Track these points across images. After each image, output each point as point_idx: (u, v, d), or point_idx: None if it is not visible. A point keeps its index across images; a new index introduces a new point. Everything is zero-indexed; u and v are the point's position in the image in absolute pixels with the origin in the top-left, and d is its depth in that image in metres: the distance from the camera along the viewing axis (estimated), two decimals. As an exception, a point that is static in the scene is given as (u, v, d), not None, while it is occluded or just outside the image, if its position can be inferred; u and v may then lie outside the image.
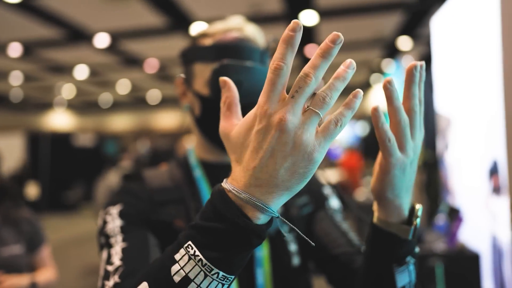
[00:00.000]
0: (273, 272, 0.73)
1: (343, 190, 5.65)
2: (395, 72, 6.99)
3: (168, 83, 9.83)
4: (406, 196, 0.56)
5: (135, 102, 13.15)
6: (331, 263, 0.75)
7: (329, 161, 8.25)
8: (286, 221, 0.44)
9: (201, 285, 0.41)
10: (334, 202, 0.87)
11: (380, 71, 8.71)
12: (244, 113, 0.48)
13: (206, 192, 0.76)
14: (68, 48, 6.38)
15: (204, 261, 0.40)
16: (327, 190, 0.88)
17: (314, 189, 0.85)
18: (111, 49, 6.52)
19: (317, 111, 0.39)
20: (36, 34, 5.64)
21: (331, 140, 0.40)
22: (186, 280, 0.41)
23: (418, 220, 0.56)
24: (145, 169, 0.82)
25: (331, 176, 6.48)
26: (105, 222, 0.69)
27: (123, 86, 10.37)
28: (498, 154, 1.78)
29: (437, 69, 2.84)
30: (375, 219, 0.59)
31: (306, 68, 0.39)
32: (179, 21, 5.19)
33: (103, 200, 3.85)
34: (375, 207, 0.60)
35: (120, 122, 14.61)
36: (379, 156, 0.55)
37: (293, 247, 0.77)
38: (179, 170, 0.80)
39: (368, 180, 6.00)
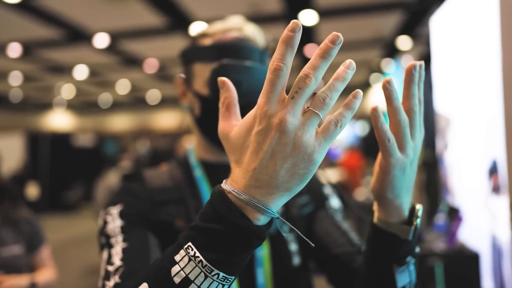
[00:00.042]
0: (274, 272, 0.73)
1: (343, 189, 5.65)
2: (394, 71, 6.99)
3: (168, 83, 9.83)
4: (406, 196, 0.56)
5: (135, 102, 13.15)
6: (332, 263, 0.75)
7: (329, 161, 8.25)
8: (286, 222, 0.44)
9: (201, 286, 0.41)
10: (335, 202, 0.87)
11: (379, 70, 8.71)
12: (243, 113, 0.48)
13: (206, 192, 0.76)
14: (67, 48, 6.38)
15: (205, 262, 0.40)
16: (328, 190, 0.88)
17: (314, 188, 0.85)
18: (111, 49, 6.52)
19: (317, 112, 0.39)
20: (35, 34, 5.63)
21: (331, 141, 0.40)
22: (187, 281, 0.41)
23: (418, 221, 0.56)
24: (145, 169, 0.82)
25: (332, 175, 6.48)
26: (105, 222, 0.69)
27: (123, 86, 10.37)
28: (498, 154, 1.78)
29: (437, 69, 2.84)
30: (375, 219, 0.59)
31: (306, 68, 0.39)
32: (179, 21, 5.19)
33: (103, 200, 3.84)
34: (375, 207, 0.60)
35: (120, 122, 14.61)
36: (379, 156, 0.55)
37: (293, 246, 0.77)
38: (179, 170, 0.80)
39: (369, 179, 6.00)
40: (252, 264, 0.72)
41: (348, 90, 0.42)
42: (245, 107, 0.54)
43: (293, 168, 0.40)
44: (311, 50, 6.57)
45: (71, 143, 9.68)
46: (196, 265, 0.41)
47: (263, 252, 0.73)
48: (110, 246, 0.65)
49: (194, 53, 0.78)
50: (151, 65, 7.82)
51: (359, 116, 10.07)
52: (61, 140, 9.63)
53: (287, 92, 0.40)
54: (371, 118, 0.49)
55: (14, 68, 7.93)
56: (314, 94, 0.41)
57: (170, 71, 8.48)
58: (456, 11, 2.39)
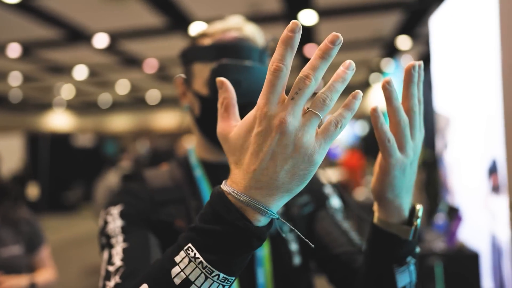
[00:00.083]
0: (274, 272, 0.73)
1: (343, 189, 5.64)
2: (394, 71, 6.99)
3: (168, 83, 9.83)
4: (407, 196, 0.56)
5: (135, 102, 13.15)
6: (332, 263, 0.75)
7: (329, 161, 8.25)
8: (287, 222, 0.44)
9: (201, 287, 0.41)
10: (335, 201, 0.87)
11: (379, 70, 8.72)
12: (243, 112, 0.48)
13: (206, 192, 0.76)
14: (67, 48, 6.37)
15: (205, 263, 0.40)
16: (328, 189, 0.88)
17: (315, 188, 0.85)
18: (110, 49, 6.52)
19: (317, 112, 0.39)
20: (35, 35, 5.63)
21: (331, 142, 0.40)
22: (187, 282, 0.41)
23: (418, 221, 0.56)
24: (145, 169, 0.82)
25: (332, 175, 6.48)
26: (106, 223, 0.69)
27: (123, 86, 10.36)
28: (497, 153, 1.78)
29: (436, 68, 2.84)
30: (375, 220, 0.59)
31: (306, 69, 0.39)
32: (178, 21, 5.19)
33: (102, 200, 3.84)
34: (375, 207, 0.60)
35: (120, 122, 14.60)
36: (379, 156, 0.55)
37: (294, 246, 0.77)
38: (180, 170, 0.80)
39: (369, 179, 6.00)
40: (252, 264, 0.72)
41: (348, 90, 0.42)
42: (245, 106, 0.54)
43: (293, 169, 0.40)
44: (310, 50, 6.57)
45: (71, 143, 9.68)
46: (197, 266, 0.41)
47: (264, 252, 0.73)
48: (110, 246, 0.65)
49: (194, 53, 0.78)
50: (150, 65, 7.82)
51: (359, 116, 10.07)
52: (61, 140, 9.63)
53: (287, 92, 0.40)
54: (371, 118, 0.49)
55: (14, 68, 7.92)
56: (314, 94, 0.41)
57: (170, 71, 8.47)
58: (455, 11, 2.39)
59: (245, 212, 0.41)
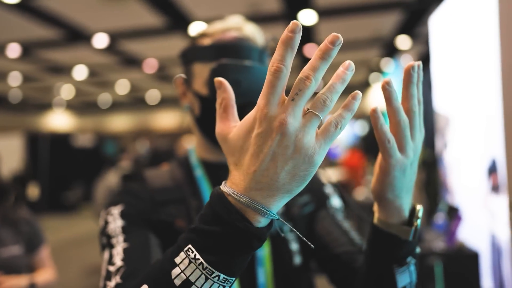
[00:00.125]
0: (275, 271, 0.73)
1: (344, 189, 5.64)
2: (394, 71, 7.00)
3: (167, 83, 9.82)
4: (407, 197, 0.56)
5: (134, 102, 13.14)
6: (333, 262, 0.75)
7: (329, 161, 8.25)
8: (287, 223, 0.44)
9: None
10: (336, 201, 0.87)
11: (379, 70, 8.72)
12: (243, 112, 0.48)
13: (207, 192, 0.76)
14: (67, 48, 6.37)
15: (205, 264, 0.40)
16: (329, 189, 0.88)
17: (315, 188, 0.85)
18: (110, 49, 6.51)
19: (317, 113, 0.39)
20: (35, 35, 5.63)
21: (331, 142, 0.41)
22: (187, 283, 0.41)
23: (418, 221, 0.56)
24: (146, 169, 0.82)
25: (332, 175, 6.48)
26: (106, 223, 0.69)
27: (122, 86, 10.36)
28: (497, 153, 1.78)
29: (436, 68, 2.84)
30: (375, 220, 0.59)
31: (306, 70, 0.39)
32: (178, 21, 5.19)
33: (102, 200, 3.84)
34: (375, 207, 0.60)
35: (119, 123, 14.60)
36: (379, 157, 0.55)
37: (294, 246, 0.77)
38: (180, 170, 0.81)
39: (370, 179, 6.00)
40: (253, 264, 0.72)
41: (348, 90, 0.42)
42: (245, 106, 0.54)
43: (293, 170, 0.40)
44: (310, 50, 6.56)
45: (71, 143, 9.68)
46: (197, 267, 0.41)
47: (264, 251, 0.73)
48: (111, 246, 0.65)
49: (194, 53, 0.78)
50: (150, 65, 7.81)
51: (358, 116, 10.07)
52: (61, 140, 9.62)
53: (287, 93, 0.40)
54: (371, 119, 0.49)
55: (14, 68, 7.91)
56: (314, 94, 0.41)
57: (170, 71, 8.47)
58: (455, 11, 2.39)
59: (245, 213, 0.41)
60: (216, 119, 0.48)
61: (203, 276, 0.41)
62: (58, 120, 14.74)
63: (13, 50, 6.43)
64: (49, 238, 1.78)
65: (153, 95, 11.93)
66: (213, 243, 0.41)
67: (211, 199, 0.43)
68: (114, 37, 5.86)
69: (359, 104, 0.41)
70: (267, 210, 0.40)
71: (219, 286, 0.41)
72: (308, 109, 0.40)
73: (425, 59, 4.69)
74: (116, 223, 0.68)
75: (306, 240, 0.44)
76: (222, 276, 0.41)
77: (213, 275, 0.41)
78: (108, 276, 0.59)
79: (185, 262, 0.41)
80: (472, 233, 2.19)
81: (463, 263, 2.02)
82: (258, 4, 4.68)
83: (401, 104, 0.51)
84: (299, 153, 0.39)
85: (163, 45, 6.15)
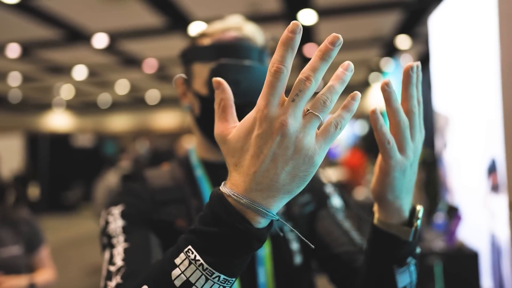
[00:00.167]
0: (275, 271, 0.73)
1: (344, 189, 5.65)
2: (394, 71, 7.00)
3: (167, 83, 9.82)
4: (407, 197, 0.56)
5: (134, 102, 13.14)
6: (333, 262, 0.75)
7: (329, 160, 8.25)
8: (287, 223, 0.44)
9: None
10: (336, 201, 0.87)
11: (379, 70, 8.72)
12: (243, 112, 0.48)
13: (207, 192, 0.76)
14: (66, 48, 6.37)
15: (205, 265, 0.40)
16: (329, 189, 0.88)
17: (316, 187, 0.86)
18: (110, 49, 6.51)
19: (317, 114, 0.39)
20: (34, 35, 5.63)
21: (330, 142, 0.41)
22: (188, 284, 0.41)
23: (419, 222, 0.56)
24: (146, 169, 0.82)
25: (333, 175, 6.49)
26: (107, 223, 0.69)
27: (122, 86, 10.35)
28: (497, 152, 1.78)
29: (436, 68, 2.84)
30: (375, 220, 0.59)
31: (306, 70, 0.39)
32: (178, 21, 5.19)
33: (102, 200, 3.84)
34: (375, 208, 0.60)
35: (119, 123, 14.60)
36: (379, 157, 0.55)
37: (295, 245, 0.77)
38: (181, 169, 0.81)
39: (370, 178, 6.00)
40: (253, 263, 0.72)
41: (347, 90, 0.42)
42: (244, 106, 0.54)
43: (294, 170, 0.40)
44: (310, 50, 6.56)
45: (71, 144, 9.68)
46: (197, 268, 0.41)
47: (265, 251, 0.73)
48: (111, 246, 0.65)
49: (194, 53, 0.78)
50: (150, 65, 7.81)
51: (358, 116, 10.07)
52: (61, 140, 9.62)
53: (287, 93, 0.40)
54: (371, 120, 0.49)
55: (13, 68, 7.91)
56: (315, 94, 0.41)
57: (170, 71, 8.47)
58: (454, 10, 2.39)
59: (246, 214, 0.41)
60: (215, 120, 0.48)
61: (203, 277, 0.41)
62: (58, 120, 14.73)
63: (13, 50, 6.42)
64: (49, 238, 1.78)
65: (153, 95, 11.93)
66: (213, 244, 0.41)
67: (211, 200, 0.43)
68: (114, 37, 5.86)
69: (359, 104, 0.41)
70: (267, 211, 0.40)
71: (219, 286, 0.42)
72: (308, 110, 0.40)
73: (424, 59, 4.69)
74: (116, 223, 0.68)
75: (306, 240, 0.44)
76: (222, 276, 0.41)
77: (213, 276, 0.41)
78: (109, 276, 0.59)
79: (185, 263, 0.41)
80: (472, 233, 2.19)
81: (463, 262, 2.02)
82: (258, 4, 4.68)
83: (401, 104, 0.51)
84: (299, 154, 0.39)
85: (163, 45, 6.15)
